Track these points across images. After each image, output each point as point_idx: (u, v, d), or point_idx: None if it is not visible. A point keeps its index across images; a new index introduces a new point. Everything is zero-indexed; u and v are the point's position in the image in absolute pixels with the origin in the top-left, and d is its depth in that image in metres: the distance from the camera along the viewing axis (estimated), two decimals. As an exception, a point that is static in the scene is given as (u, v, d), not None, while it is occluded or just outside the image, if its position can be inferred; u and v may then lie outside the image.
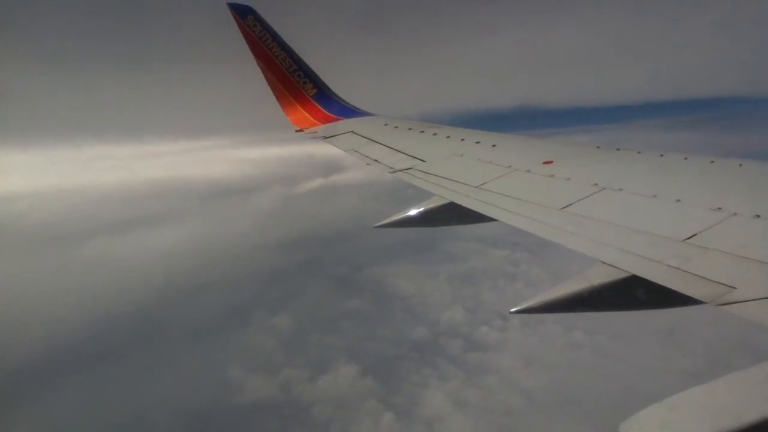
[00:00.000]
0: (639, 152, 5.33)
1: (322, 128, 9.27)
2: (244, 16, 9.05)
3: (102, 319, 59.83)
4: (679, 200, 3.97)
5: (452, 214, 5.17)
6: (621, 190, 4.40)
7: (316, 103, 9.63)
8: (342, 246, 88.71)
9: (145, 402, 50.22)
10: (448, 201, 5.21)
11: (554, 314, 3.52)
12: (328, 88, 9.88)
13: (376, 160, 7.01)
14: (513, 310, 3.57)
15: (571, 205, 4.35)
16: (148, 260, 79.05)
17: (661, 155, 5.11)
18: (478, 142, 6.66)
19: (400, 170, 6.38)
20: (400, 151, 7.03)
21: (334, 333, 63.10)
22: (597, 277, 3.37)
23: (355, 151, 7.59)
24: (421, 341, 61.36)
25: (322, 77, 9.89)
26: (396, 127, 8.35)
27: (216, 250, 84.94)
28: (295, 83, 9.52)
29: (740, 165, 4.46)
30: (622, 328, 54.67)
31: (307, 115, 9.61)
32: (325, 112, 9.57)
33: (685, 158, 4.89)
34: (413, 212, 5.40)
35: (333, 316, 66.72)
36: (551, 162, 5.39)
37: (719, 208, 3.65)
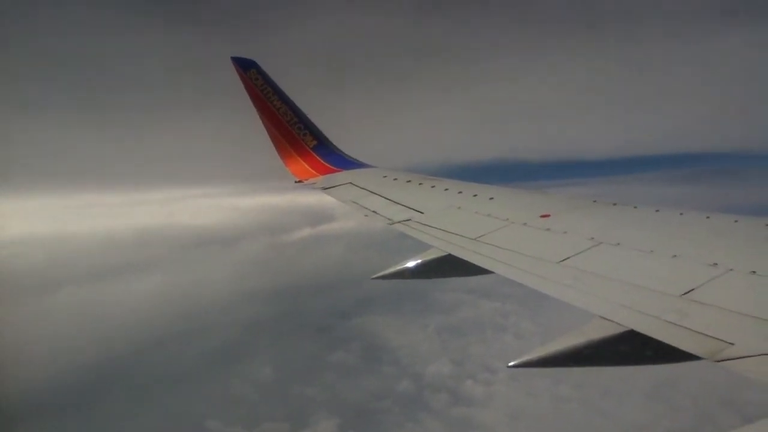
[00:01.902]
0: (635, 207, 5.46)
1: (321, 179, 9.35)
2: (247, 70, 9.31)
3: (78, 367, 57.60)
4: (675, 255, 4.02)
5: (450, 266, 5.16)
6: (618, 244, 4.47)
7: (315, 155, 9.75)
8: (329, 296, 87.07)
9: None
10: (445, 253, 5.20)
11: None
12: (328, 140, 10.04)
13: (374, 212, 7.07)
14: (511, 364, 3.55)
15: (568, 258, 4.38)
16: (128, 308, 76.77)
17: (657, 210, 5.23)
18: (475, 195, 6.77)
19: (399, 222, 6.43)
20: (399, 203, 7.10)
21: (316, 385, 61.08)
22: (595, 332, 3.37)
23: (354, 203, 7.65)
24: (405, 394, 59.55)
25: (319, 129, 10.11)
26: (395, 179, 8.45)
27: (199, 298, 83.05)
28: (296, 135, 9.67)
29: (735, 221, 4.56)
30: (611, 382, 53.84)
31: (306, 166, 9.72)
32: (325, 163, 9.68)
33: (681, 213, 5.00)
34: (410, 264, 5.38)
35: (316, 368, 64.90)
36: (548, 216, 5.48)
37: (715, 264, 3.71)
